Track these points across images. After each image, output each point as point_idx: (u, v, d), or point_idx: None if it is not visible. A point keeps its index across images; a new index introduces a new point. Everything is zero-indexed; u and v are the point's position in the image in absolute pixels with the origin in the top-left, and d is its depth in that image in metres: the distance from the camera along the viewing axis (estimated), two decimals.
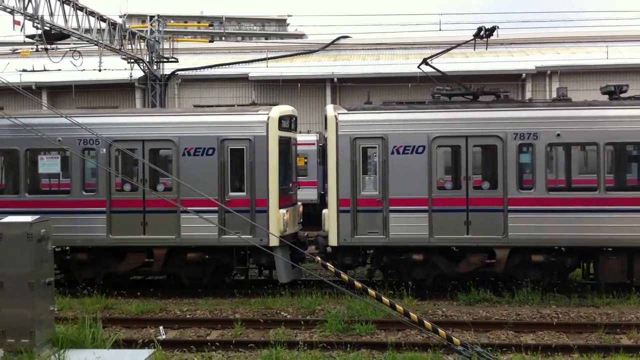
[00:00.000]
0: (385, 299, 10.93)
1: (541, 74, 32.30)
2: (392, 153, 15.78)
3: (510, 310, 14.52)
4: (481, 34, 16.87)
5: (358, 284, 11.08)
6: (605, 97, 16.63)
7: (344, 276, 11.27)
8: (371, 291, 11.01)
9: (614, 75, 30.31)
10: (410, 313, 10.67)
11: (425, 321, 10.60)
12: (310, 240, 17.61)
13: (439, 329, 10.43)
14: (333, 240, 15.97)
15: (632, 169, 16.27)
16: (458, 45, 18.81)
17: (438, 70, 16.94)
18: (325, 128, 16.40)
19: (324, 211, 16.33)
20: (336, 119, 16.00)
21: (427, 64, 16.82)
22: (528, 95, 31.58)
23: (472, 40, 17.51)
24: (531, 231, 15.38)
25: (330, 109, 16.34)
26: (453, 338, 10.40)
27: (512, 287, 15.72)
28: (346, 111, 16.25)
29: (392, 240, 15.79)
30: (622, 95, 16.37)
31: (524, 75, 32.24)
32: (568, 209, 15.34)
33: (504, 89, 17.32)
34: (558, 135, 15.47)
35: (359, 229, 15.88)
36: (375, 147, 15.98)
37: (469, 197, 15.63)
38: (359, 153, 15.95)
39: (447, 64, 29.16)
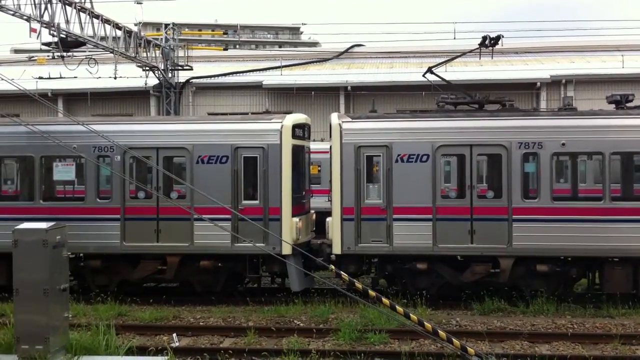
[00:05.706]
0: (399, 308, 10.89)
1: (556, 83, 32.13)
2: (397, 161, 15.74)
3: (525, 321, 14.42)
4: (486, 42, 16.86)
5: (372, 293, 11.06)
6: (612, 107, 16.53)
7: (358, 285, 11.23)
8: (385, 300, 10.98)
9: (629, 84, 30.10)
10: (425, 322, 10.63)
11: (439, 331, 10.56)
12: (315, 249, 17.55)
13: (453, 339, 10.38)
14: (337, 249, 15.94)
15: (638, 178, 16.12)
16: (463, 54, 18.82)
17: (442, 79, 16.90)
18: (330, 136, 16.40)
19: (328, 219, 16.32)
20: (340, 127, 15.99)
21: (432, 72, 16.80)
22: (543, 104, 31.44)
23: (477, 49, 17.50)
24: (536, 241, 15.27)
25: (334, 117, 16.34)
26: (467, 348, 10.35)
27: (526, 297, 15.60)
28: (350, 119, 16.24)
29: (396, 249, 15.75)
30: (629, 104, 16.27)
31: (538, 84, 32.13)
32: (573, 219, 15.22)
33: (509, 98, 17.26)
34: (563, 144, 15.37)
35: (363, 237, 15.84)
36: (379, 156, 15.97)
37: (473, 206, 15.57)
38: (363, 161, 15.92)
39: (460, 72, 29.33)
